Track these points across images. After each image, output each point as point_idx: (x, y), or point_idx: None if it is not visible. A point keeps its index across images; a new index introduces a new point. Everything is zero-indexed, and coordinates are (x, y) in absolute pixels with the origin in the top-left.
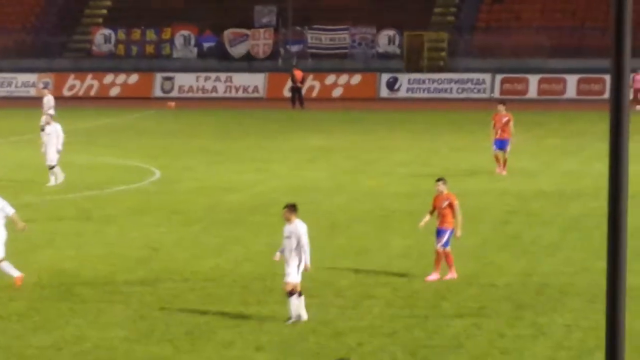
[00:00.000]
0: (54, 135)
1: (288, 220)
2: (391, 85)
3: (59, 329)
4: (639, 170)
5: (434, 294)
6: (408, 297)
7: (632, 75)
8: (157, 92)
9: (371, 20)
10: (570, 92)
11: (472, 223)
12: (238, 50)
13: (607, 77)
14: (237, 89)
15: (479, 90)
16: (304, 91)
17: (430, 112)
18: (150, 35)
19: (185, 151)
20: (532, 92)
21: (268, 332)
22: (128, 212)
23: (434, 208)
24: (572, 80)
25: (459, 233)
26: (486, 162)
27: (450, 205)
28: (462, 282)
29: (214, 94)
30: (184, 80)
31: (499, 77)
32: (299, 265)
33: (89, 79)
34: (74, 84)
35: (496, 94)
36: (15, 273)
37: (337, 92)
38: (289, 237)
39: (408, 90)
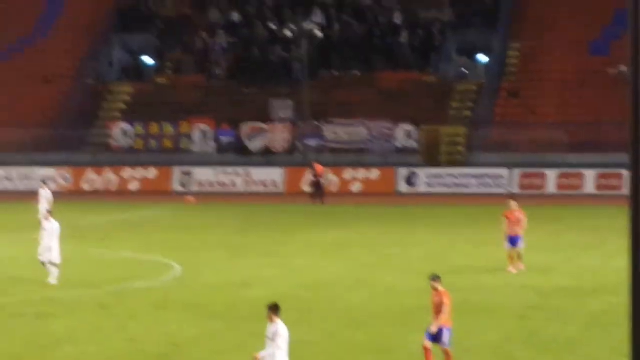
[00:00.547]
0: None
1: (270, 320)
2: (410, 180)
3: None
4: None
5: None
6: None
7: None
8: (176, 186)
9: (388, 114)
10: (589, 187)
11: (491, 318)
12: (256, 144)
13: (625, 172)
14: (255, 184)
15: (497, 185)
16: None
17: (448, 206)
18: (168, 129)
19: (205, 246)
20: (551, 187)
21: None
22: (148, 307)
23: (434, 305)
24: (590, 175)
25: (433, 328)
26: (505, 257)
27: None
28: None
29: (232, 189)
30: (203, 174)
31: (517, 172)
32: None
33: (108, 173)
34: (92, 178)
35: (515, 189)
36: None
37: (356, 187)
38: (270, 338)
39: (426, 185)
